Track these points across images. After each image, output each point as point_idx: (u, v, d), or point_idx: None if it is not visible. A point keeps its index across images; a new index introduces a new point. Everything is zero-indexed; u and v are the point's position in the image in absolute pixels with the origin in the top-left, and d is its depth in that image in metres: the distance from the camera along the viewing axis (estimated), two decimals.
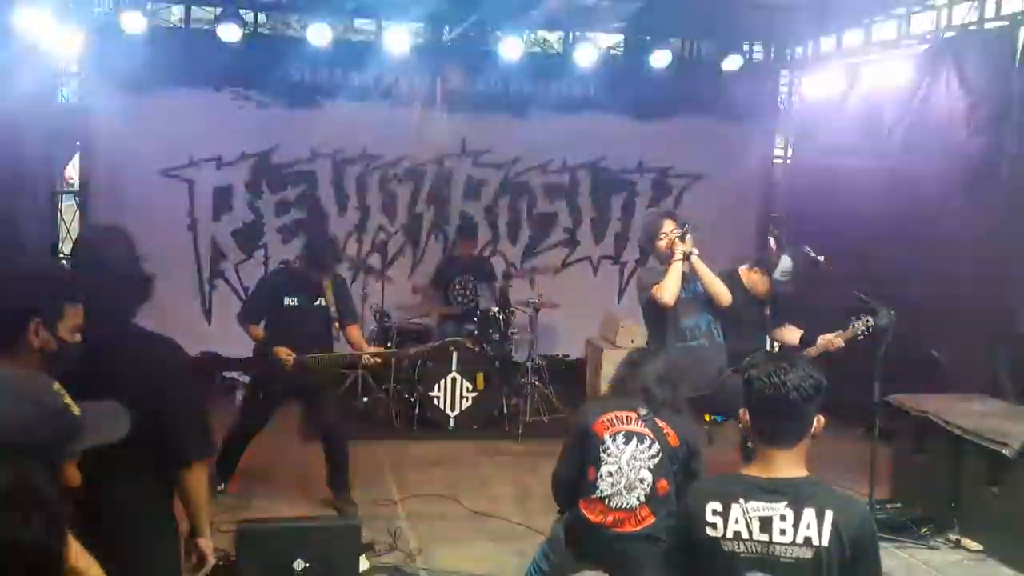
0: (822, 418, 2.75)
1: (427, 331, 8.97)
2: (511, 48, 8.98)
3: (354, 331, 6.55)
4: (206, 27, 9.38)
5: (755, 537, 2.63)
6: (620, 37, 10.64)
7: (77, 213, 9.21)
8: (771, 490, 2.66)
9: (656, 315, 5.82)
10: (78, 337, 2.64)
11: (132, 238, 3.33)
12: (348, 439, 6.41)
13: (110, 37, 8.65)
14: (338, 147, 9.48)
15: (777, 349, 7.30)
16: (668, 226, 5.86)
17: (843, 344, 6.09)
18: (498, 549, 5.63)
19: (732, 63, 9.65)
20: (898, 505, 6.36)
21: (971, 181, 7.42)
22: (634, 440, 3.99)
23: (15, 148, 7.68)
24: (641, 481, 3.95)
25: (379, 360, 6.77)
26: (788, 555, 2.61)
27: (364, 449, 7.20)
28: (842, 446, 7.54)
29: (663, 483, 3.97)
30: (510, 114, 9.69)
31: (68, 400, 1.92)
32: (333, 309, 6.38)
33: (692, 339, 5.80)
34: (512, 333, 8.68)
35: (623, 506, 3.96)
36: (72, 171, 9.92)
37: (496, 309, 8.59)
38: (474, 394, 8.25)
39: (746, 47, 10.46)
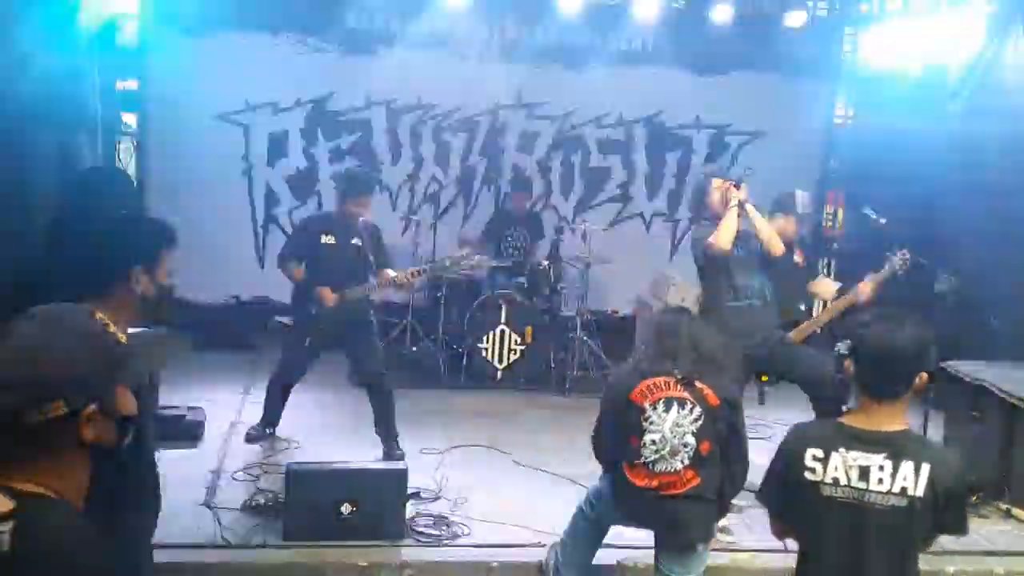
0: (925, 375, 2.83)
1: (477, 282, 8.97)
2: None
3: (387, 271, 6.51)
4: None
5: (853, 484, 2.80)
6: None
7: (134, 155, 9.30)
8: (871, 442, 2.81)
9: (711, 271, 5.76)
10: (171, 281, 2.72)
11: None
12: (392, 387, 6.43)
13: None
14: (393, 96, 9.45)
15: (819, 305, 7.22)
16: (716, 183, 5.78)
17: (881, 281, 5.90)
18: (542, 500, 5.65)
19: (795, 19, 9.44)
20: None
21: None
22: (675, 406, 3.95)
23: (74, 88, 7.73)
24: (685, 446, 3.93)
25: (411, 278, 6.58)
26: (883, 503, 2.78)
27: (412, 398, 7.25)
28: None
29: (706, 444, 3.95)
30: (566, 66, 9.58)
31: (112, 328, 1.94)
32: (368, 251, 6.40)
33: (745, 298, 5.73)
34: (562, 287, 8.65)
35: (668, 470, 3.95)
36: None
37: (547, 263, 8.56)
38: (522, 347, 8.25)
39: (810, 2, 10.21)
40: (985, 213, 7.59)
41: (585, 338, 8.58)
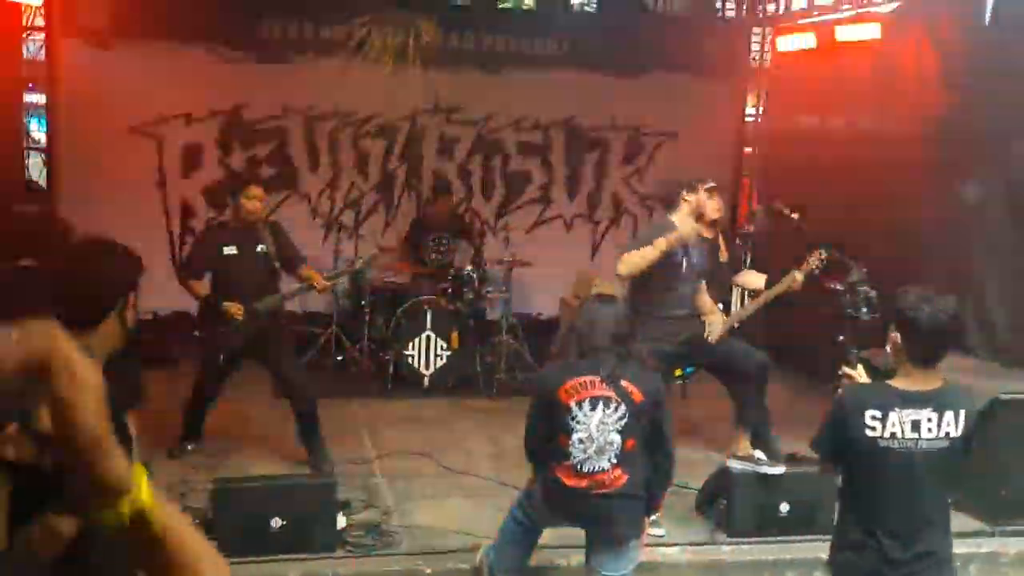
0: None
1: (400, 289, 8.95)
2: (484, 4, 8.89)
3: (305, 269, 6.45)
4: None
5: (907, 436, 3.37)
6: None
7: (44, 170, 9.06)
8: (920, 400, 3.37)
9: (642, 279, 5.71)
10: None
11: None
12: (315, 397, 6.32)
13: None
14: (310, 103, 9.36)
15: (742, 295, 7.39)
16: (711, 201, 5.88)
17: (802, 278, 6.05)
18: (474, 506, 5.68)
19: (706, 20, 9.61)
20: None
21: (941, 140, 7.47)
22: (600, 405, 4.00)
23: None
24: (611, 444, 3.99)
25: (327, 285, 6.58)
26: (932, 447, 3.38)
27: (338, 408, 7.20)
28: (812, 403, 7.64)
29: (631, 441, 4.02)
30: (483, 71, 9.61)
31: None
32: (275, 255, 6.29)
33: (677, 308, 5.79)
34: (486, 291, 8.68)
35: (596, 469, 4.01)
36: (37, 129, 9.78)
37: (470, 267, 8.58)
38: (448, 352, 8.25)
39: (719, 3, 10.43)
40: (890, 207, 7.83)
41: (511, 341, 8.63)
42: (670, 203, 5.95)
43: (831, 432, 3.56)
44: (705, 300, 6.03)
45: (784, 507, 5.53)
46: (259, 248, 6.23)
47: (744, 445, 5.96)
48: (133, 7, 8.58)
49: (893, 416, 3.36)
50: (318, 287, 6.48)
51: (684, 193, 5.84)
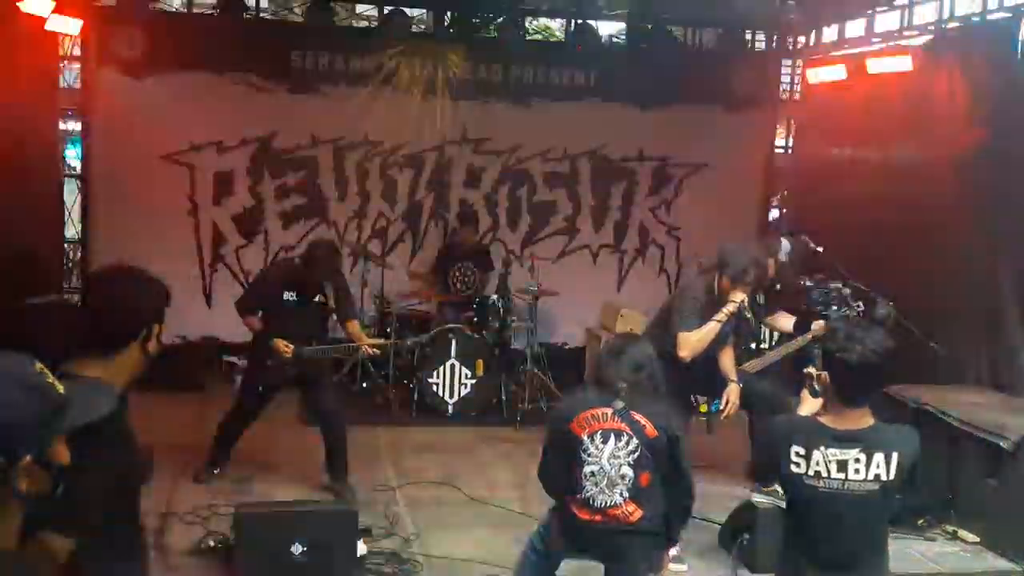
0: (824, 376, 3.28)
1: (426, 317, 8.99)
2: (513, 35, 8.96)
3: (352, 325, 6.60)
4: (208, 12, 9.37)
5: (832, 476, 3.23)
6: (622, 25, 10.62)
7: (78, 198, 9.21)
8: (847, 439, 3.24)
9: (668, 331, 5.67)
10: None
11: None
12: (346, 425, 6.43)
13: (112, 22, 8.63)
14: (339, 133, 9.45)
15: (776, 337, 7.34)
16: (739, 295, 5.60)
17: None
18: (495, 535, 5.66)
19: (735, 52, 9.62)
20: (896, 497, 6.36)
21: (971, 174, 7.42)
22: (612, 437, 3.94)
23: (21, 134, 7.68)
24: (623, 477, 3.93)
25: (378, 352, 6.81)
26: (860, 489, 3.23)
27: (363, 435, 7.21)
28: None
29: (645, 476, 3.95)
30: (511, 102, 9.67)
31: (52, 378, 1.94)
32: (331, 306, 6.43)
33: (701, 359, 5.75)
34: (511, 320, 8.68)
35: (608, 504, 3.95)
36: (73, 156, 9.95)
37: (495, 296, 8.60)
38: (473, 381, 8.26)
39: (748, 36, 10.45)
40: (921, 240, 7.77)
41: (536, 371, 8.62)
42: (733, 275, 5.58)
43: (762, 460, 3.56)
44: (727, 363, 5.95)
45: None
46: (317, 299, 6.38)
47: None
48: (167, 38, 8.77)
49: (817, 455, 3.24)
50: (366, 352, 6.69)
51: (748, 272, 5.57)
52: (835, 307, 4.72)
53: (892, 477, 3.23)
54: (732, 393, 5.81)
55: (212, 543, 5.31)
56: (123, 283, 2.72)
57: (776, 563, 3.61)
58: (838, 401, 3.30)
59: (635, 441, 3.93)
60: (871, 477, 3.22)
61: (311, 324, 6.38)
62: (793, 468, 3.27)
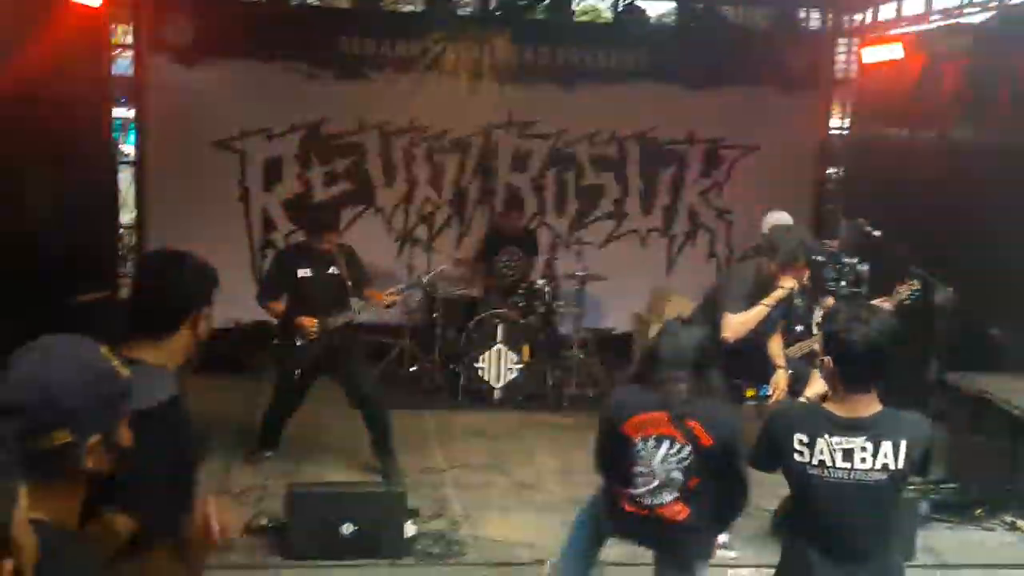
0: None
1: (473, 302, 8.99)
2: (560, 17, 8.88)
3: (368, 290, 6.63)
4: None
5: (838, 465, 3.12)
6: (672, 5, 10.49)
7: (132, 184, 9.34)
8: (852, 427, 3.13)
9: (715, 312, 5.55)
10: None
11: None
12: (386, 407, 6.48)
13: (164, 9, 8.72)
14: (386, 118, 9.46)
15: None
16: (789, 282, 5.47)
17: (891, 309, 5.92)
18: (541, 519, 5.64)
19: (788, 31, 9.45)
20: (953, 486, 6.24)
21: None
22: (665, 443, 3.84)
23: (74, 122, 7.80)
24: (672, 481, 3.85)
25: (396, 298, 6.78)
26: (867, 479, 3.12)
27: (410, 418, 7.25)
28: None
29: (695, 480, 3.85)
30: (558, 84, 9.60)
31: (116, 363, 1.97)
32: (346, 275, 6.46)
33: (752, 345, 5.64)
34: (558, 306, 8.65)
35: (656, 503, 3.89)
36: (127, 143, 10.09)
37: (542, 281, 8.56)
38: (519, 366, 8.24)
39: (802, 15, 10.26)
40: (982, 224, 7.59)
41: (582, 356, 8.58)
42: (782, 260, 5.44)
43: (764, 450, 3.39)
44: (776, 348, 5.83)
45: None
46: (331, 270, 6.43)
47: None
48: (217, 25, 8.86)
49: (821, 443, 3.13)
50: (383, 303, 6.67)
51: (798, 257, 5.43)
52: (843, 283, 4.39)
53: (901, 466, 3.12)
54: (780, 379, 5.70)
55: (264, 522, 5.37)
56: (171, 267, 2.73)
57: (781, 556, 3.49)
58: (842, 386, 3.19)
59: (688, 449, 3.82)
60: (879, 466, 3.11)
61: (331, 297, 6.42)
62: (796, 457, 3.17)
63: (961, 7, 8.54)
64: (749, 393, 6.05)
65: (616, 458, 4.00)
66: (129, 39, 9.21)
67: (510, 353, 8.22)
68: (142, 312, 2.67)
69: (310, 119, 9.37)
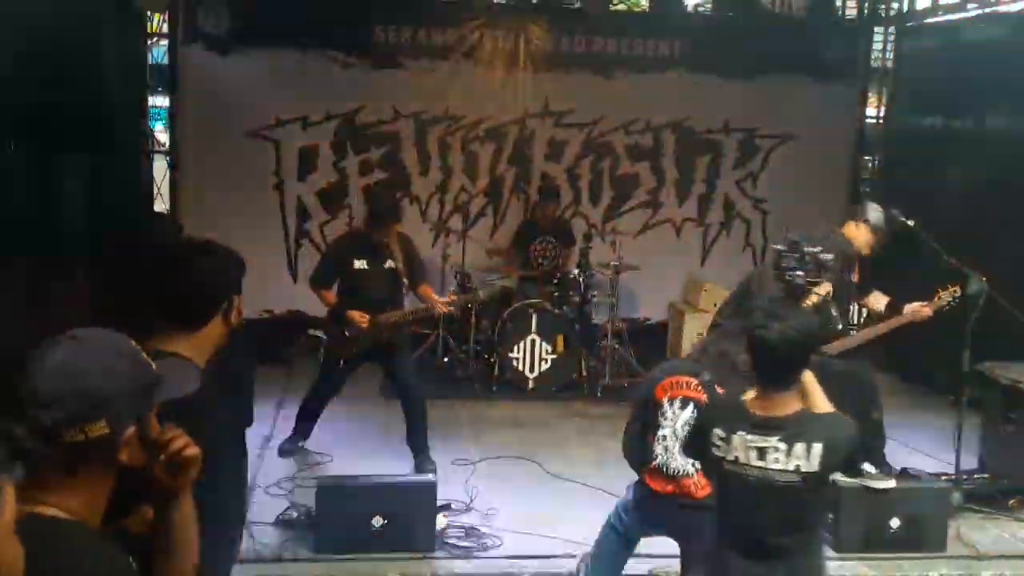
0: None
1: (507, 292, 8.98)
2: (597, 6, 8.83)
3: (425, 288, 6.61)
4: None
5: (752, 463, 3.12)
6: None
7: (167, 173, 9.42)
8: (768, 426, 3.11)
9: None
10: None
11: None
12: (425, 399, 6.49)
13: None
14: (421, 107, 9.47)
15: (864, 315, 7.14)
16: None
17: (930, 314, 5.90)
18: (573, 511, 5.64)
19: (824, 20, 9.35)
20: (986, 476, 6.19)
21: None
22: (691, 405, 3.92)
23: (108, 109, 7.86)
24: None
25: (451, 308, 6.80)
26: (780, 479, 3.09)
27: (443, 409, 7.27)
28: (930, 415, 7.39)
29: None
30: (594, 73, 9.56)
31: (145, 355, 1.98)
32: (402, 270, 6.43)
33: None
34: (592, 295, 8.63)
35: (680, 472, 3.92)
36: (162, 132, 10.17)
37: (576, 271, 8.55)
38: (553, 356, 8.24)
39: (839, 3, 10.14)
40: (1016, 213, 7.48)
41: (616, 346, 8.56)
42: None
43: (692, 439, 3.47)
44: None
45: (894, 523, 5.33)
46: (387, 264, 6.38)
47: None
48: (252, 15, 8.90)
49: (737, 439, 3.13)
50: (438, 310, 6.68)
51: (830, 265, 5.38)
52: (800, 272, 4.23)
53: (815, 469, 3.08)
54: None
55: (295, 514, 5.40)
56: (199, 259, 2.73)
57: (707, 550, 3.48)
58: (760, 383, 3.18)
59: None
60: (791, 467, 3.08)
61: (385, 291, 6.39)
62: (715, 451, 3.19)
63: None
64: None
65: (644, 427, 4.05)
66: (165, 28, 9.27)
67: (544, 343, 8.22)
68: (172, 304, 2.65)
69: (345, 108, 9.39)
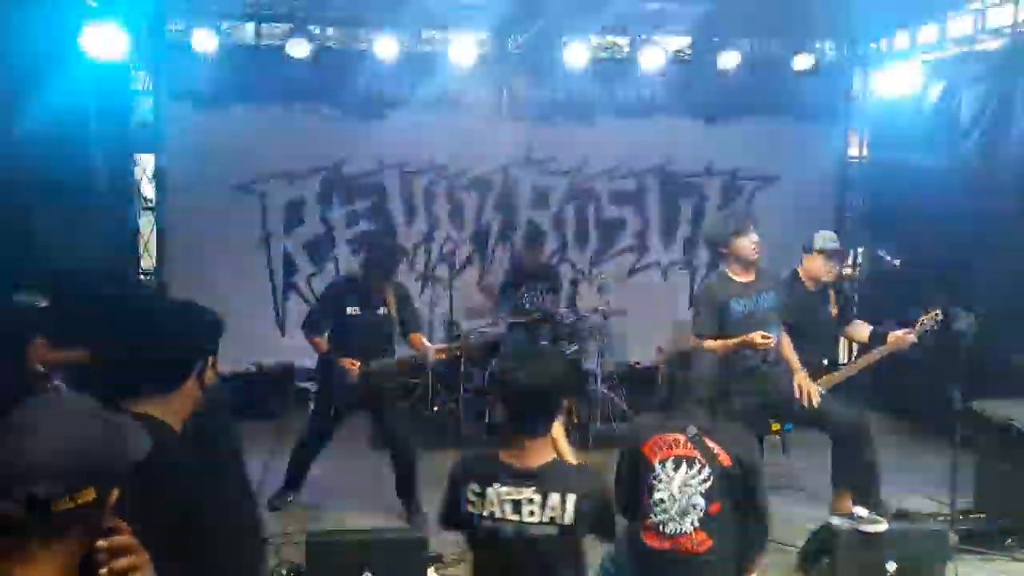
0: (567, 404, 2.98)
1: (497, 340, 8.96)
2: (577, 54, 8.91)
3: (417, 337, 6.58)
4: (277, 43, 9.53)
5: (507, 517, 3.04)
6: (688, 39, 10.51)
7: (154, 228, 9.42)
8: (521, 476, 3.04)
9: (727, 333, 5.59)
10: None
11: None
12: (415, 449, 6.44)
13: (183, 55, 8.85)
14: (405, 158, 9.53)
15: (852, 347, 7.15)
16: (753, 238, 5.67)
17: (914, 340, 5.91)
18: None
19: (804, 62, 9.46)
20: (981, 516, 6.14)
21: None
22: (684, 465, 3.84)
23: (94, 166, 7.88)
24: (694, 507, 3.83)
25: (443, 356, 6.70)
26: (535, 532, 3.02)
27: (434, 458, 7.18)
28: (924, 454, 7.37)
29: (716, 505, 3.84)
30: (576, 120, 9.65)
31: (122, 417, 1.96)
32: (395, 318, 6.42)
33: (763, 361, 5.62)
34: (581, 341, 8.61)
35: (678, 532, 3.85)
36: (148, 187, 10.17)
37: (564, 317, 8.53)
38: None
39: (818, 45, 10.25)
40: (1001, 251, 7.52)
41: (607, 391, 8.53)
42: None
43: (447, 501, 3.28)
44: (786, 349, 5.83)
45: (891, 566, 5.27)
46: (380, 310, 6.38)
47: (845, 503, 5.74)
48: (237, 70, 8.94)
49: (491, 493, 3.05)
50: (430, 359, 6.58)
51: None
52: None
53: (570, 521, 3.01)
54: (802, 380, 5.70)
55: (284, 571, 5.34)
56: (171, 322, 2.72)
57: None
58: (510, 431, 3.11)
59: (707, 470, 3.82)
60: (546, 519, 3.01)
61: (377, 339, 6.38)
62: (470, 508, 3.09)
63: (975, 34, 8.49)
64: (775, 428, 6.02)
65: (636, 485, 3.97)
66: (150, 86, 9.32)
67: None
68: (145, 367, 2.63)
69: (330, 160, 9.45)
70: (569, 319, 8.51)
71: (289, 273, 9.54)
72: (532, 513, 3.02)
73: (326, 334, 6.47)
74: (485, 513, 3.06)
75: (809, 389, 5.71)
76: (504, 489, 3.04)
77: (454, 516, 3.22)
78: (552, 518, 3.01)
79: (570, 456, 3.28)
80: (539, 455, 3.08)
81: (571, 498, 3.00)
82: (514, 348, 3.32)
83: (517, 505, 3.02)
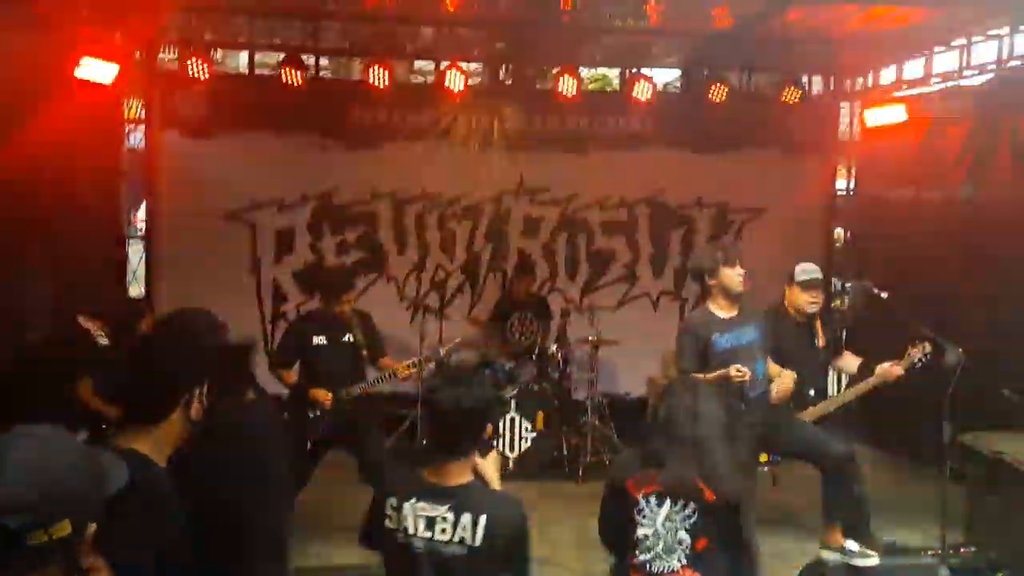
0: (489, 427, 3.17)
1: (485, 369, 8.95)
2: (568, 86, 8.96)
3: (386, 360, 6.63)
4: (269, 72, 9.56)
5: (420, 534, 3.05)
6: (677, 72, 10.61)
7: (143, 256, 9.40)
8: (438, 495, 3.06)
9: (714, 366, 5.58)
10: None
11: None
12: None
13: (176, 85, 8.87)
14: (397, 187, 9.56)
15: (841, 378, 7.17)
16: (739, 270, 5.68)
17: (902, 372, 5.93)
18: None
19: (791, 96, 9.54)
20: (972, 549, 6.14)
21: None
22: (668, 500, 3.79)
23: (83, 195, 7.87)
24: (679, 543, 3.75)
25: (413, 370, 6.68)
26: (445, 551, 3.02)
27: None
28: (914, 487, 7.35)
29: (703, 541, 3.77)
30: (567, 151, 9.69)
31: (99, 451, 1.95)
32: (362, 343, 6.44)
33: (751, 389, 5.62)
34: (571, 371, 8.61)
35: (665, 570, 3.78)
36: (138, 216, 10.17)
37: (555, 347, 8.53)
38: (533, 435, 8.18)
39: (805, 79, 10.34)
40: (990, 283, 7.57)
41: (597, 423, 8.51)
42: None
43: (368, 515, 3.27)
44: (771, 368, 5.84)
45: None
46: (346, 338, 6.39)
47: (836, 537, 5.73)
48: (229, 99, 8.96)
49: (407, 508, 3.06)
50: (400, 376, 6.60)
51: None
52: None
53: (479, 544, 3.01)
54: (781, 383, 5.71)
55: None
56: (158, 353, 2.67)
57: None
58: (433, 450, 3.14)
59: (692, 505, 3.77)
60: (456, 539, 3.02)
61: (345, 367, 6.38)
62: (387, 523, 3.11)
63: (960, 70, 8.58)
64: (763, 459, 6.01)
65: (620, 521, 3.93)
66: (142, 114, 9.34)
67: (524, 421, 8.17)
68: (131, 400, 2.59)
69: (321, 189, 9.47)
70: (559, 350, 8.50)
71: (278, 303, 9.51)
72: (444, 531, 3.04)
73: (294, 367, 6.46)
74: (399, 528, 3.08)
75: (782, 386, 5.68)
76: (420, 505, 3.06)
77: (376, 532, 3.19)
78: (462, 538, 3.02)
79: (496, 484, 3.31)
80: (458, 476, 3.11)
81: (483, 520, 3.02)
82: (441, 371, 3.34)
83: (431, 522, 3.05)
